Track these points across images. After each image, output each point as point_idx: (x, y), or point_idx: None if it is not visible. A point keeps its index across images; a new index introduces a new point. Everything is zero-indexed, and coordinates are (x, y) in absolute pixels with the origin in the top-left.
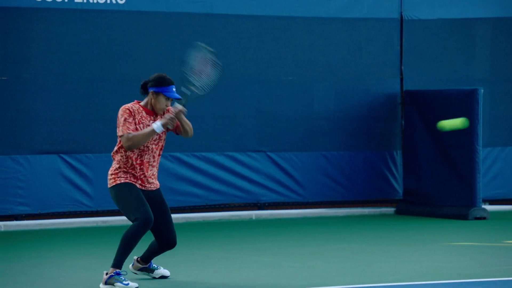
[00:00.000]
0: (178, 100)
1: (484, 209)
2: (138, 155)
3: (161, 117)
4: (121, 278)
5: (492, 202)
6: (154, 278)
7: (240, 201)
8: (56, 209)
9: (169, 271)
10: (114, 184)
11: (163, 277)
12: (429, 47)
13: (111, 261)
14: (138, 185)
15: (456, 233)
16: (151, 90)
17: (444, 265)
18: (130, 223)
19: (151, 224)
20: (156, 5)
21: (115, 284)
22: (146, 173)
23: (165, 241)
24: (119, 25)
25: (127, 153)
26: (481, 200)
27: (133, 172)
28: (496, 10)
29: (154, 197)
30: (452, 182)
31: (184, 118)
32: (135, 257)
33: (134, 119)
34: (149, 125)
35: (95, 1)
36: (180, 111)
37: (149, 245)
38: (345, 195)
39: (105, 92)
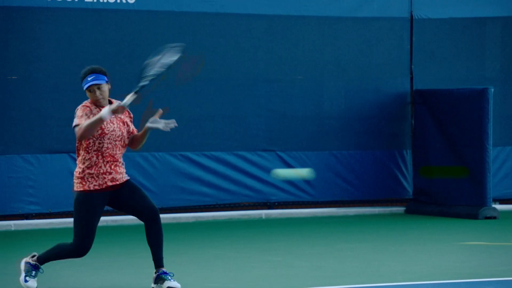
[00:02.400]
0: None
1: (494, 209)
2: (98, 153)
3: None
4: (32, 273)
5: (503, 201)
6: None
7: (250, 201)
8: (67, 208)
9: (179, 270)
10: (77, 190)
11: None
12: (440, 46)
13: (121, 260)
14: (105, 184)
15: (466, 233)
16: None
17: (454, 264)
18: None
19: (83, 255)
20: (166, 4)
21: (22, 277)
22: (106, 166)
23: (146, 213)
24: (129, 24)
25: (89, 155)
26: (491, 199)
27: (99, 169)
28: (507, 9)
29: (125, 191)
30: (462, 181)
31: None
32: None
33: (91, 116)
34: (110, 121)
35: (105, 0)
36: (123, 105)
37: (148, 245)
38: (355, 195)
39: (115, 92)
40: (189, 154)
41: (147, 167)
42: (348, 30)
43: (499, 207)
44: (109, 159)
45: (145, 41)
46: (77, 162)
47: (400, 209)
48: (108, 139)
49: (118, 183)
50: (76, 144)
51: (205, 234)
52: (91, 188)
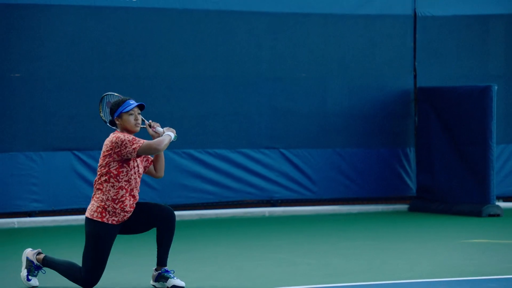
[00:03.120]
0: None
1: (498, 206)
2: (127, 184)
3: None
4: (35, 273)
5: (506, 199)
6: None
7: (253, 198)
8: (70, 205)
9: (182, 268)
10: (94, 218)
11: (175, 287)
12: (443, 44)
13: (126, 258)
14: (121, 220)
15: (470, 230)
16: (115, 118)
17: (457, 262)
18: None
19: (88, 287)
20: (170, 2)
21: (24, 274)
22: (129, 203)
23: (163, 215)
24: (133, 22)
25: (119, 184)
26: (495, 197)
27: (119, 205)
28: (511, 6)
29: (133, 213)
30: (465, 179)
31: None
32: (153, 269)
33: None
34: (133, 159)
35: None
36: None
37: (156, 243)
38: (358, 192)
39: (119, 89)
40: (192, 151)
41: None
42: (352, 27)
43: (502, 204)
44: (133, 193)
45: (148, 38)
46: (99, 187)
47: (404, 206)
48: (134, 173)
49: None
50: (103, 170)
51: (208, 231)
52: (109, 222)
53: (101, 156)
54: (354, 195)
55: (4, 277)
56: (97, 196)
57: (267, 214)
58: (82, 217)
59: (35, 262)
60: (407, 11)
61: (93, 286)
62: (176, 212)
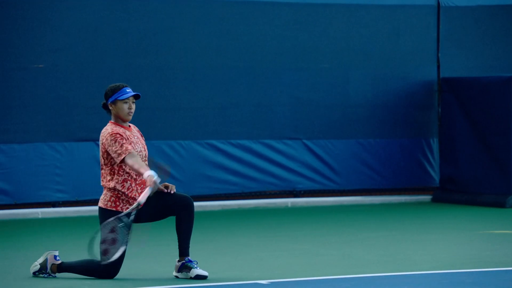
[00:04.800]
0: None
1: None
2: (129, 176)
3: (129, 130)
4: (45, 275)
5: None
6: (191, 278)
7: (275, 189)
8: (93, 196)
9: (205, 259)
10: (109, 208)
11: (199, 277)
12: (467, 34)
13: (149, 249)
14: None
15: (493, 221)
16: (108, 104)
17: (481, 253)
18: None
19: (114, 276)
20: None
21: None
22: (138, 191)
23: (180, 204)
24: (156, 13)
25: (121, 177)
26: None
27: (129, 194)
28: None
29: (148, 201)
30: (489, 169)
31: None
32: (176, 260)
33: (127, 140)
34: (136, 142)
35: None
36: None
37: (176, 233)
38: (382, 183)
39: (142, 80)
40: (215, 142)
41: (173, 155)
42: (375, 18)
43: None
44: (139, 181)
45: (170, 29)
46: (106, 176)
47: (427, 197)
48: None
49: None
50: (105, 161)
51: (231, 222)
52: (123, 210)
53: (100, 149)
54: (377, 186)
55: (29, 266)
56: (109, 186)
57: (289, 205)
58: None
59: (48, 269)
60: (431, 1)
61: (114, 276)
62: (198, 203)
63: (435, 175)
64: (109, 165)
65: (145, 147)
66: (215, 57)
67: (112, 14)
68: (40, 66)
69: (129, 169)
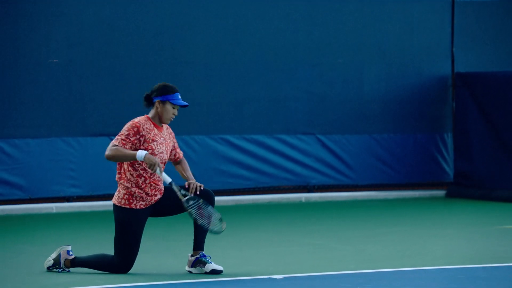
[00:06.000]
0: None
1: None
2: (145, 172)
3: (159, 130)
4: (59, 270)
5: None
6: (206, 273)
7: (289, 184)
8: (107, 191)
9: (219, 253)
10: (122, 206)
11: (214, 271)
12: (481, 28)
13: (162, 244)
14: (149, 203)
15: (508, 216)
16: (156, 100)
17: (495, 248)
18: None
19: (127, 272)
20: None
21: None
22: (157, 186)
23: (203, 197)
24: (170, 8)
25: (136, 172)
26: None
27: (144, 190)
28: None
29: (167, 194)
30: (504, 164)
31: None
32: (189, 255)
33: (140, 138)
34: (160, 143)
35: None
36: (157, 164)
37: (194, 227)
38: (396, 178)
39: (157, 75)
40: (229, 137)
41: (187, 150)
42: (389, 12)
43: None
44: (153, 182)
45: (185, 24)
46: (120, 173)
47: (441, 192)
48: (160, 159)
49: (160, 196)
50: (123, 169)
51: (245, 217)
52: (138, 207)
53: None
54: (391, 181)
55: (43, 261)
56: (121, 184)
57: (303, 200)
58: None
59: (62, 264)
60: None
61: (128, 270)
62: None
63: (449, 170)
64: None
65: (177, 150)
66: (229, 53)
67: (126, 9)
68: (54, 61)
69: (145, 165)
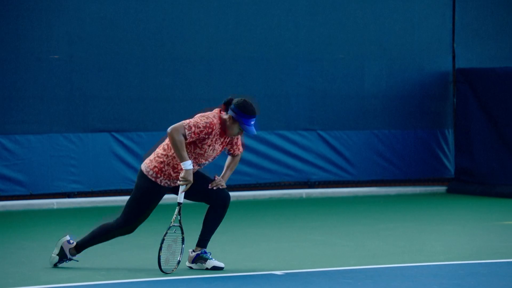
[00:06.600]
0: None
1: None
2: (199, 156)
3: (222, 136)
4: (66, 262)
5: None
6: (207, 269)
7: (290, 180)
8: (108, 187)
9: (220, 249)
10: (149, 175)
11: (215, 268)
12: (482, 25)
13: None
14: (174, 184)
15: (509, 212)
16: (230, 114)
17: (496, 244)
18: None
19: (131, 232)
20: None
21: (55, 261)
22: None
23: (218, 199)
24: (171, 3)
25: (194, 156)
26: None
27: (175, 173)
28: None
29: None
30: (505, 160)
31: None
32: (190, 250)
33: (205, 137)
34: (215, 149)
35: None
36: (188, 184)
37: (202, 223)
38: (397, 174)
39: (158, 71)
40: None
41: None
42: (390, 8)
43: None
44: (198, 163)
45: (186, 20)
46: (165, 150)
47: (442, 188)
48: (205, 159)
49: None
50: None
51: (245, 213)
52: (162, 184)
53: None
54: (392, 177)
55: (44, 257)
56: (159, 155)
57: (304, 196)
58: (121, 198)
59: (69, 255)
60: None
61: (131, 231)
62: None
63: (450, 166)
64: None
65: (234, 146)
66: (230, 48)
67: (128, 5)
68: (55, 57)
69: (182, 173)
